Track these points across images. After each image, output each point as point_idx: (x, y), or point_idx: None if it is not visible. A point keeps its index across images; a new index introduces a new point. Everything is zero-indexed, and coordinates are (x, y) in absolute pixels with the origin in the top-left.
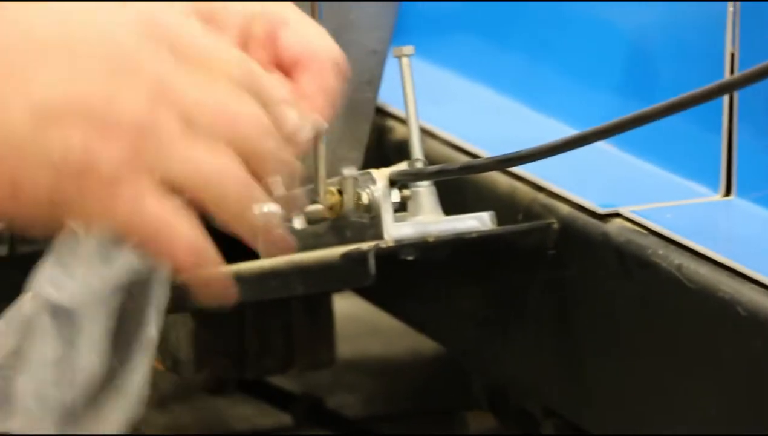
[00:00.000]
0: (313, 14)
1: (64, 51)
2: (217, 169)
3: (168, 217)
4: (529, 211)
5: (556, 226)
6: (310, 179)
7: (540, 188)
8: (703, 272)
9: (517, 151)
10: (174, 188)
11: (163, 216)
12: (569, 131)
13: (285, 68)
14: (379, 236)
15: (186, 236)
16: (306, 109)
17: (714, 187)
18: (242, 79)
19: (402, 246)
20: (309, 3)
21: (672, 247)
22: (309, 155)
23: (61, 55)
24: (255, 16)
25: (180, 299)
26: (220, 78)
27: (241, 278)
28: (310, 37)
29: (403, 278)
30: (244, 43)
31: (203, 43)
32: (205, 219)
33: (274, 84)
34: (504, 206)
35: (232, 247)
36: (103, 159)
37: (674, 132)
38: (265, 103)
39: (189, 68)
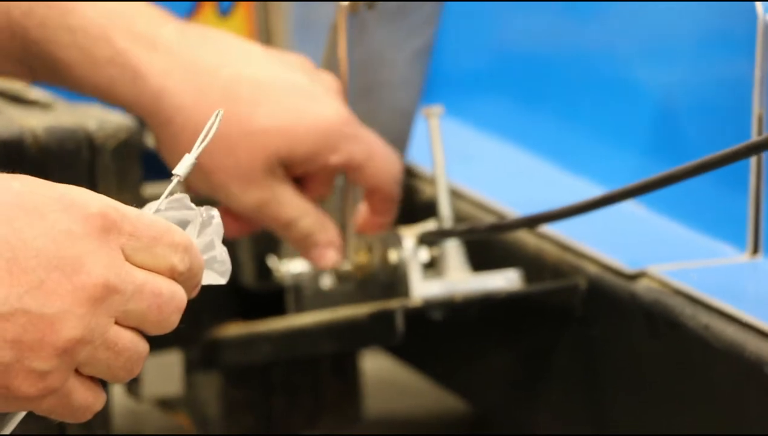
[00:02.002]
0: (342, 75)
1: (5, 258)
2: (134, 354)
3: (87, 404)
4: (557, 271)
5: (583, 285)
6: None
7: (567, 248)
8: (730, 332)
9: (544, 211)
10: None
11: (85, 405)
12: (597, 191)
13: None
14: (406, 294)
15: (98, 409)
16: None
17: (741, 247)
18: (179, 264)
19: (430, 305)
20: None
21: (699, 307)
22: (338, 214)
23: (1, 263)
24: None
25: (209, 357)
26: (160, 266)
27: (269, 337)
28: (388, 169)
29: (430, 336)
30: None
31: (151, 235)
32: (232, 279)
33: (199, 269)
34: (531, 265)
35: (261, 306)
36: (31, 367)
37: (702, 192)
38: (191, 279)
39: (135, 260)
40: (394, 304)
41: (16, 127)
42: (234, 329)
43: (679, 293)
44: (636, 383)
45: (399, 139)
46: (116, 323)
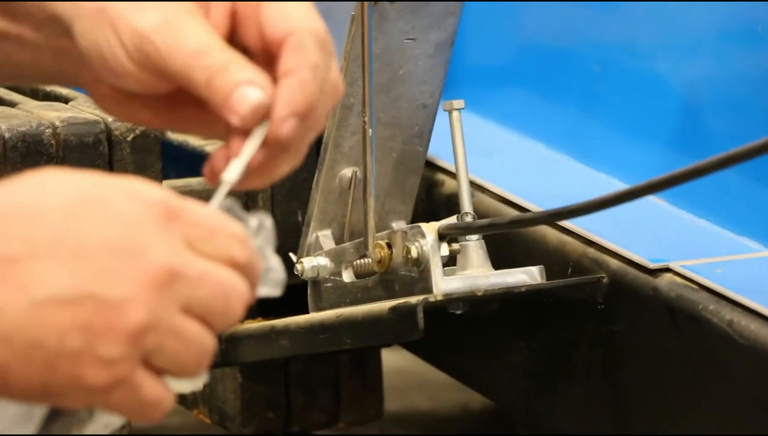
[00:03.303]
0: (364, 70)
1: (71, 245)
2: (201, 346)
3: (157, 398)
4: (579, 266)
5: (605, 280)
6: (359, 233)
7: (590, 242)
8: (754, 327)
9: (566, 206)
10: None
11: (154, 400)
12: (619, 185)
13: (271, 50)
14: (428, 289)
15: (167, 408)
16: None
17: (765, 243)
18: (240, 255)
19: (451, 300)
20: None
21: (723, 302)
22: (359, 209)
23: (67, 250)
24: None
25: (227, 353)
26: (221, 257)
27: (290, 332)
28: (290, 13)
29: (451, 332)
30: (233, 23)
31: (211, 226)
32: None
33: (258, 266)
34: (553, 260)
35: (281, 302)
36: (100, 354)
37: (725, 187)
38: (251, 275)
39: (196, 250)
40: (415, 299)
41: (35, 120)
42: (253, 325)
43: (702, 288)
44: (658, 378)
45: (420, 134)
46: (183, 312)
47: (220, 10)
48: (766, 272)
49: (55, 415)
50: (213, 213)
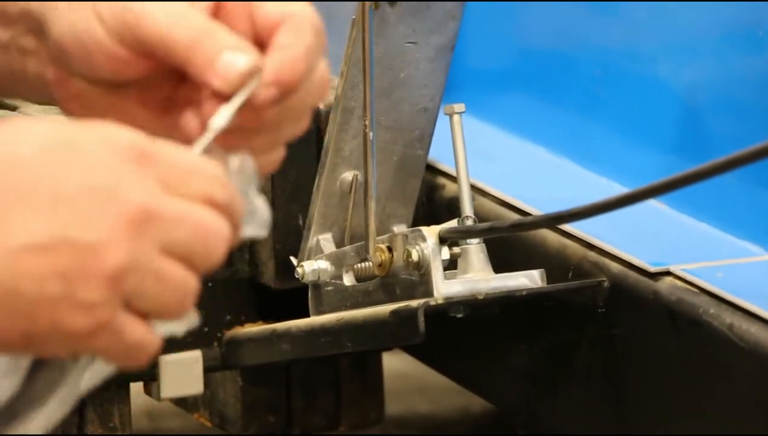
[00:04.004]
0: (365, 74)
1: (46, 191)
2: (183, 288)
3: (141, 341)
4: (579, 269)
5: (606, 284)
6: (360, 236)
7: (590, 246)
8: (755, 330)
9: (567, 209)
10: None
11: (138, 342)
12: (620, 189)
13: (262, 36)
14: (428, 293)
15: (152, 350)
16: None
17: (766, 246)
18: (219, 195)
19: (451, 304)
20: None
21: (723, 306)
22: (359, 212)
23: (42, 197)
24: None
25: (228, 356)
26: (199, 198)
27: (290, 336)
28: (288, 2)
29: (452, 335)
30: (216, 10)
31: (187, 167)
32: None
33: (239, 206)
34: (554, 264)
35: (282, 306)
36: (80, 299)
37: (726, 190)
38: (232, 215)
39: (172, 191)
40: (416, 303)
41: None
42: (254, 329)
43: (702, 291)
44: (659, 381)
45: (421, 138)
46: (163, 254)
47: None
48: (766, 275)
49: (39, 365)
50: (189, 154)
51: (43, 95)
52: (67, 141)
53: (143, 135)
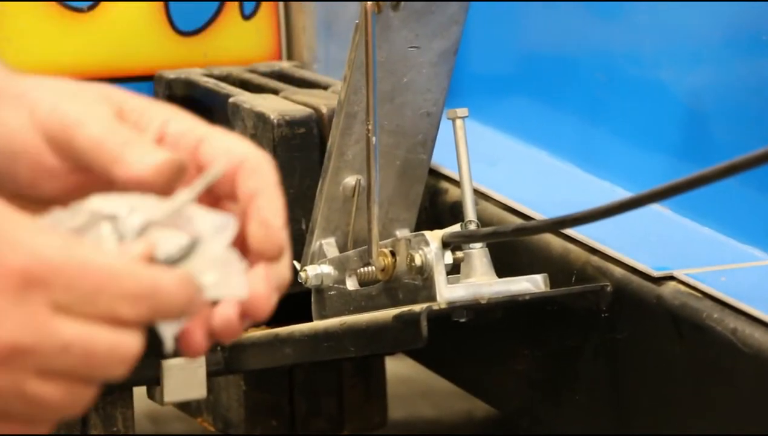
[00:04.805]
0: (368, 78)
1: None
2: (60, 406)
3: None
4: (583, 274)
5: (609, 288)
6: (363, 241)
7: (594, 250)
8: (758, 335)
9: (570, 214)
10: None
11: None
12: (623, 193)
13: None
14: (431, 297)
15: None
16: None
17: None
18: (127, 314)
19: (455, 308)
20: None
21: (727, 310)
22: (362, 217)
23: None
24: (169, 122)
25: (231, 361)
26: (101, 317)
27: (294, 340)
28: (233, 145)
29: (455, 340)
30: (160, 142)
31: (93, 285)
32: None
33: (174, 295)
34: (557, 268)
35: (285, 310)
36: None
37: (729, 195)
38: (157, 321)
39: (67, 312)
40: (419, 307)
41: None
42: (257, 333)
43: (706, 296)
44: (662, 387)
45: (424, 142)
46: (38, 378)
47: (153, 130)
48: None
49: None
50: (105, 267)
51: None
52: None
53: (43, 253)
